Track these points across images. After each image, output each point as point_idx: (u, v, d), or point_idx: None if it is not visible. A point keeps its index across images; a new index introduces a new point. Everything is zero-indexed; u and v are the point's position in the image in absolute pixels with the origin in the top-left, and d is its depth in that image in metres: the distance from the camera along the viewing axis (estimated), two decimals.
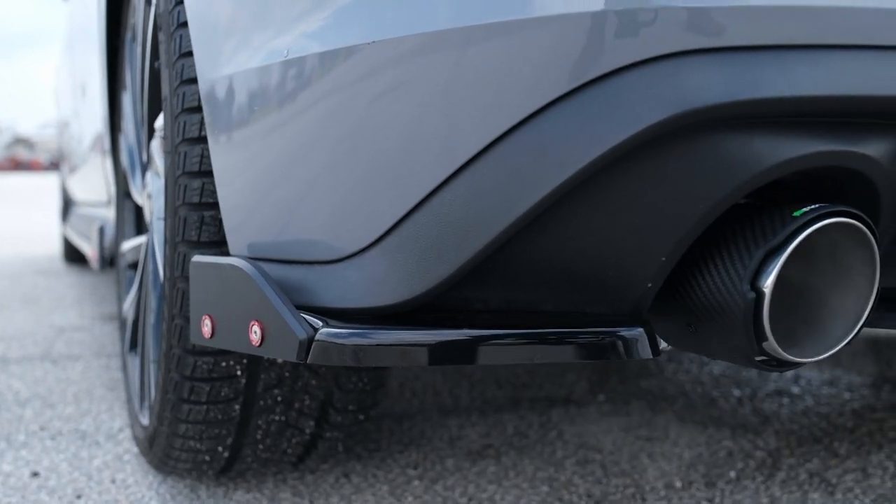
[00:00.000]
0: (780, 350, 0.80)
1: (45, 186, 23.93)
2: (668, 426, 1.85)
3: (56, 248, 6.22)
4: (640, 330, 0.83)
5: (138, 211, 1.99)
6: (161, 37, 1.26)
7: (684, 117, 0.74)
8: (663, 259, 0.81)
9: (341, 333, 0.89)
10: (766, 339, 0.79)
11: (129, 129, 1.85)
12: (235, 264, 1.00)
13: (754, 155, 0.77)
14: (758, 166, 0.77)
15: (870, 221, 0.81)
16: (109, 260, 2.14)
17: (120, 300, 1.93)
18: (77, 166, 3.36)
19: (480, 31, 0.79)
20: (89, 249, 2.65)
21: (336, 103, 0.91)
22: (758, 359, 0.83)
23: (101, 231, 2.18)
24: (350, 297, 0.95)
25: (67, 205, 4.43)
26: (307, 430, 1.40)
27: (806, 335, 0.86)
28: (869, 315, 0.84)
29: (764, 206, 0.81)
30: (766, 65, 0.74)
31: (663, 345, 0.95)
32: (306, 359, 0.90)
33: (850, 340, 0.85)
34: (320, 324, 0.91)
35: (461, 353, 0.85)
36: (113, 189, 2.04)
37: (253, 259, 1.07)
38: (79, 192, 3.49)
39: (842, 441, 1.74)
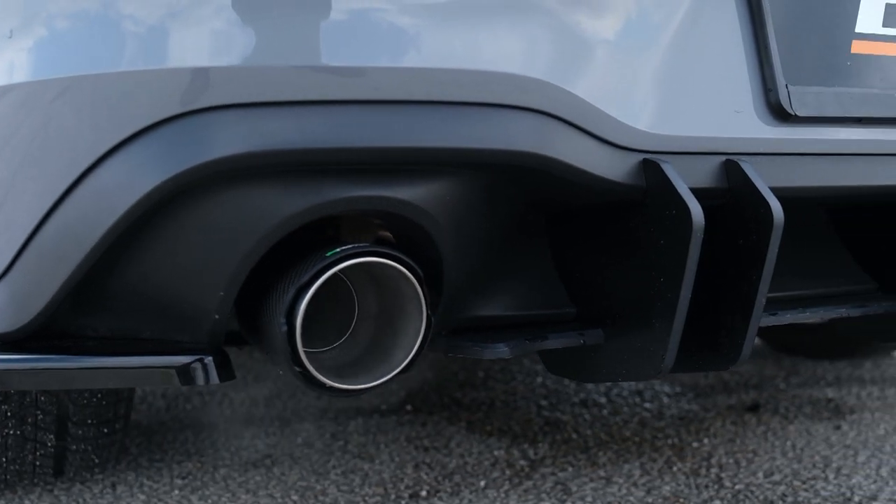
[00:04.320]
0: (321, 378, 0.88)
1: None
2: (454, 436, 1.92)
3: None
4: (210, 358, 0.90)
5: None
6: None
7: (206, 167, 0.82)
8: (222, 293, 0.89)
9: None
10: (304, 367, 0.87)
11: None
12: None
13: (283, 201, 0.85)
14: (287, 211, 0.85)
15: (405, 259, 0.88)
16: None
17: None
18: None
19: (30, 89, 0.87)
20: None
21: None
22: (327, 386, 0.90)
23: None
24: None
25: None
26: (49, 444, 1.46)
27: (367, 363, 0.94)
28: (423, 344, 0.92)
29: (309, 246, 0.89)
30: (283, 119, 0.82)
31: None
32: None
33: (406, 367, 0.92)
34: None
35: (47, 378, 0.92)
36: None
37: None
38: None
39: (607, 450, 1.82)
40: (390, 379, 0.92)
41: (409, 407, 2.15)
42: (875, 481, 1.66)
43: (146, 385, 0.93)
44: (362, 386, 0.90)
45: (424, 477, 1.69)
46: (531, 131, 0.88)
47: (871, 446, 1.85)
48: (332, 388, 0.88)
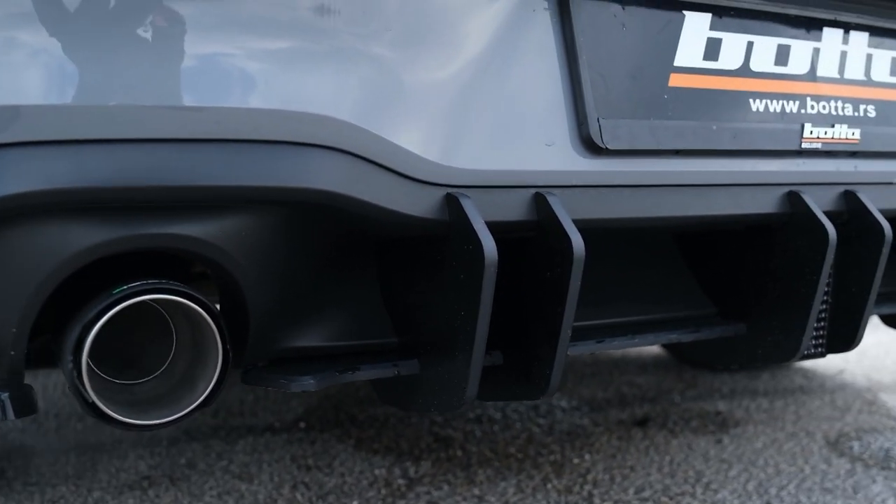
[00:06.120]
0: (110, 413, 0.88)
1: None
2: (340, 454, 1.93)
3: None
4: (7, 394, 0.90)
5: None
6: None
7: None
8: (14, 330, 0.89)
9: None
10: (92, 402, 0.87)
11: None
12: None
13: (67, 239, 0.85)
14: (71, 250, 0.85)
15: (196, 296, 0.89)
16: None
17: None
18: None
19: None
20: None
21: None
22: (117, 421, 0.91)
23: None
24: None
25: None
26: None
27: (175, 396, 0.94)
28: (221, 379, 0.93)
29: (101, 283, 0.89)
30: (65, 157, 0.82)
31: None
32: None
33: (205, 402, 0.93)
34: None
35: None
36: None
37: None
38: None
39: (488, 468, 1.84)
40: (189, 413, 0.92)
41: (302, 424, 2.15)
42: (740, 496, 1.70)
43: None
44: (157, 421, 0.90)
45: (299, 497, 1.69)
46: (322, 169, 0.89)
47: (745, 460, 1.88)
48: (123, 424, 0.89)
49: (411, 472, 1.82)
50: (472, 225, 0.93)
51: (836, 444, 1.99)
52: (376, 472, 1.82)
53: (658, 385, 2.49)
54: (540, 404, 2.32)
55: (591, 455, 1.91)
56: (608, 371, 2.65)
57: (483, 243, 0.92)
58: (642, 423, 2.14)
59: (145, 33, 0.86)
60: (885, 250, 1.25)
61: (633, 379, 2.55)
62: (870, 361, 2.78)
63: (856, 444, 1.99)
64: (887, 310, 1.49)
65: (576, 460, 1.89)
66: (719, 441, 2.01)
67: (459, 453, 1.93)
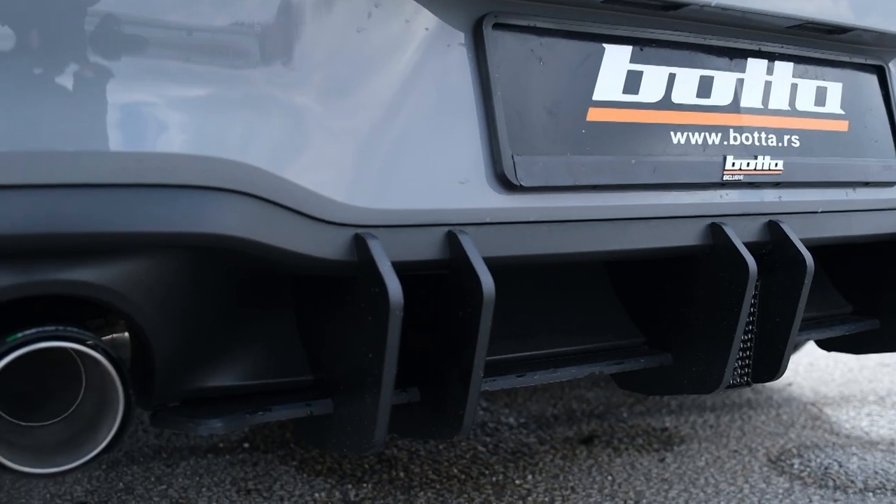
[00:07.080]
0: (5, 461, 0.86)
1: None
2: (282, 476, 1.92)
3: None
4: None
5: None
6: None
7: None
8: None
9: None
10: None
11: None
12: None
13: None
14: None
15: (95, 342, 0.87)
16: None
17: None
18: None
19: None
20: None
21: None
22: (12, 469, 0.89)
23: None
24: None
25: None
26: None
27: (82, 439, 0.93)
28: (124, 423, 0.91)
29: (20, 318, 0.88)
30: None
31: None
32: None
33: (108, 447, 0.92)
34: None
35: None
36: None
37: None
38: None
39: (429, 490, 1.84)
40: (91, 459, 0.91)
41: (246, 444, 2.13)
42: None
43: None
44: (56, 469, 0.89)
45: None
46: (220, 213, 0.87)
47: (686, 480, 1.89)
48: (20, 473, 0.87)
49: (351, 495, 1.81)
50: (377, 267, 0.92)
51: (777, 462, 2.01)
52: (316, 495, 1.81)
53: (608, 400, 2.49)
54: (487, 422, 2.32)
55: (534, 476, 1.91)
56: (559, 385, 2.65)
57: (388, 286, 0.91)
58: (588, 440, 2.15)
59: (41, 79, 0.84)
60: (808, 281, 1.26)
61: (584, 394, 2.56)
62: (818, 374, 2.81)
63: (796, 462, 2.00)
64: (816, 335, 1.50)
65: (518, 481, 1.88)
66: (662, 459, 2.02)
67: (402, 475, 1.92)
